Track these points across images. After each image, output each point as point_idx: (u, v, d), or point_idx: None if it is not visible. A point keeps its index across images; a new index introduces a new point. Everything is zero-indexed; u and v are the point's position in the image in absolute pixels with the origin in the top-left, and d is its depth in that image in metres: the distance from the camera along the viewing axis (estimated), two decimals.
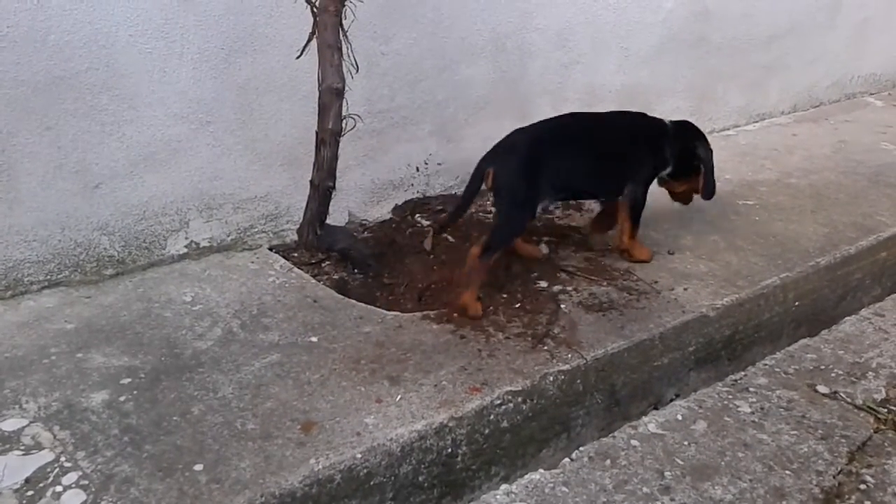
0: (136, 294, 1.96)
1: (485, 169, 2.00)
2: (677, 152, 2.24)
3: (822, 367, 1.84)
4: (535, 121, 2.18)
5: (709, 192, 2.27)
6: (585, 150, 2.11)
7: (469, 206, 2.10)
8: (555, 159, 2.02)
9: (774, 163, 2.99)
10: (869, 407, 1.72)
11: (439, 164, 2.58)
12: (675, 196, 2.37)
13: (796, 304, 2.23)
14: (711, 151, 2.28)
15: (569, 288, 2.09)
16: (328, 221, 2.10)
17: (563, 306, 2.00)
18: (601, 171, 2.14)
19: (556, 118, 2.18)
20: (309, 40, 1.94)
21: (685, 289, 2.09)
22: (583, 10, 2.70)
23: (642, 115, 2.28)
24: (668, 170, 2.24)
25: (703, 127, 3.13)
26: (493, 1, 2.50)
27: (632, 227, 2.19)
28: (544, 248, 2.30)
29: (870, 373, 1.82)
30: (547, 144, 2.04)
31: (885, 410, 1.71)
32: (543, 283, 2.12)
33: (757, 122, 3.40)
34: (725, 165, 2.92)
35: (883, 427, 1.66)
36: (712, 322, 2.02)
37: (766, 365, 1.86)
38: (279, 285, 2.03)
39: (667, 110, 3.04)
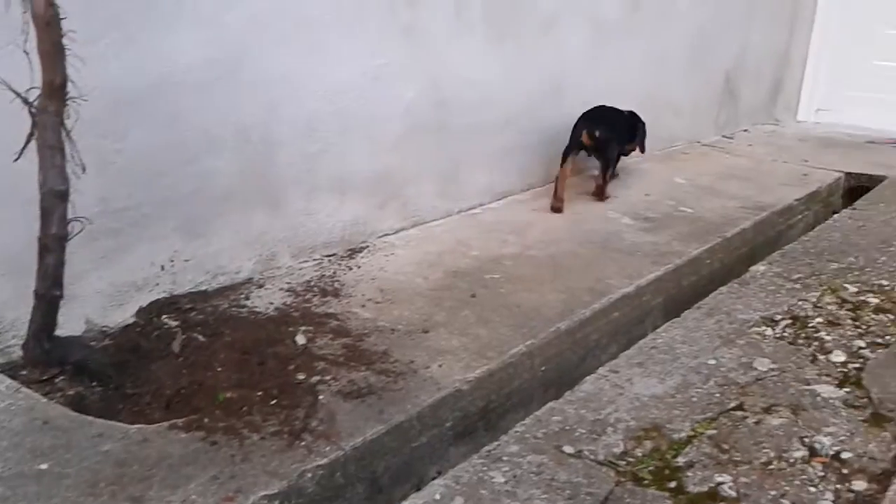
0: None
1: (585, 128, 3.59)
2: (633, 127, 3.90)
3: (568, 427, 1.95)
4: None
5: (643, 149, 3.97)
6: (623, 124, 3.81)
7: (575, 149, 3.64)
8: (622, 127, 3.80)
9: (518, 237, 3.20)
10: (609, 461, 1.84)
11: (186, 260, 2.49)
12: (625, 154, 3.95)
13: (543, 369, 2.37)
14: (645, 126, 3.96)
15: (327, 377, 2.08)
16: (60, 332, 1.94)
17: (321, 397, 1.98)
18: (627, 135, 3.84)
19: (602, 107, 3.73)
20: (27, 142, 1.82)
21: (440, 365, 2.15)
22: (329, 101, 2.77)
23: (620, 110, 3.83)
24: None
25: (451, 207, 3.34)
26: (236, 92, 2.50)
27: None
28: (301, 339, 2.28)
29: (609, 428, 1.95)
30: (620, 119, 3.79)
31: (624, 463, 1.84)
32: (301, 376, 2.09)
33: (500, 199, 3.63)
34: (473, 243, 3.08)
35: (623, 479, 1.78)
36: (466, 395, 2.09)
37: (516, 432, 1.94)
38: (4, 409, 1.83)
39: (415, 194, 3.18)
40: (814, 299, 2.73)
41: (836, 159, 5.02)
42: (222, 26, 2.43)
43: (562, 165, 3.58)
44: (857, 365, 2.27)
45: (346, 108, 2.83)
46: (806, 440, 1.88)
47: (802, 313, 2.62)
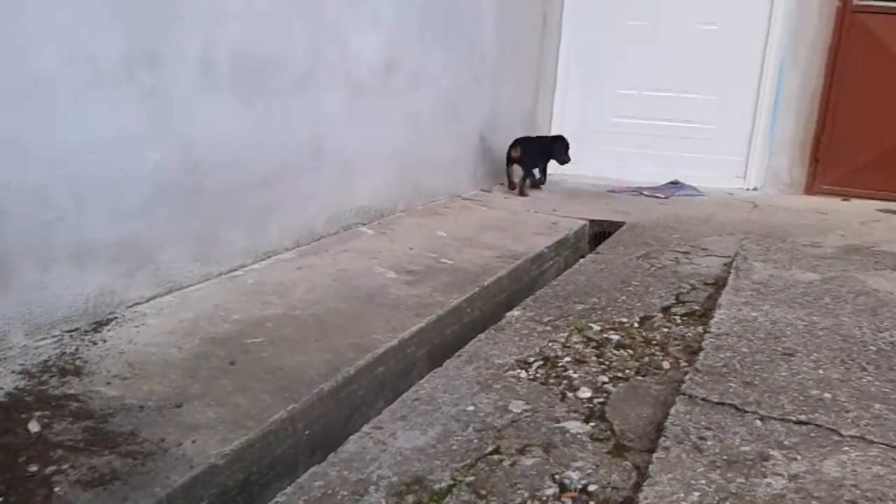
0: None
1: (511, 148, 5.92)
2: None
3: (330, 491, 1.91)
4: None
5: (559, 160, 6.17)
6: (540, 147, 6.07)
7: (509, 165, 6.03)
8: (537, 150, 6.05)
9: (281, 297, 3.13)
10: None
11: None
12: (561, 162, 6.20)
13: (307, 432, 2.32)
14: (567, 146, 6.11)
15: (65, 466, 1.89)
16: None
17: (56, 489, 1.79)
18: (541, 155, 6.13)
19: (527, 137, 6.11)
20: None
21: (193, 441, 2.03)
22: (63, 166, 2.57)
23: (542, 137, 6.33)
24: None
25: (210, 270, 3.22)
26: None
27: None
28: (35, 426, 2.06)
29: (371, 487, 1.94)
30: (537, 144, 6.08)
31: None
32: (34, 467, 1.88)
33: (263, 260, 3.56)
34: (233, 306, 2.98)
35: None
36: (223, 470, 1.98)
37: (277, 503, 1.88)
38: None
39: (169, 259, 3.03)
40: (563, 340, 2.91)
41: (581, 208, 5.47)
42: None
43: (507, 168, 6.06)
44: (601, 399, 2.43)
45: (82, 174, 2.64)
46: (556, 477, 1.97)
47: (553, 354, 2.77)
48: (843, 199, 6.42)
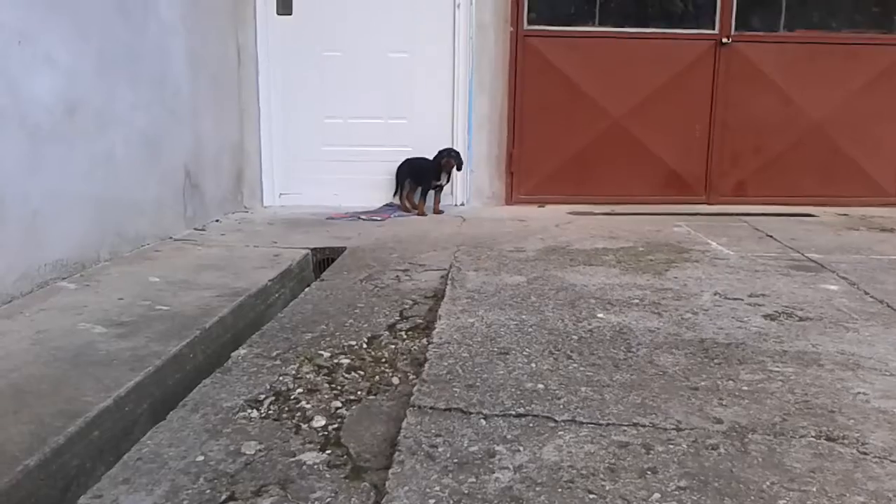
0: None
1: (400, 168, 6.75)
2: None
3: None
4: None
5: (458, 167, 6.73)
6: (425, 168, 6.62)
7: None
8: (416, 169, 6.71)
9: None
10: None
11: None
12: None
13: None
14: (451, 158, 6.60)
15: None
16: None
17: None
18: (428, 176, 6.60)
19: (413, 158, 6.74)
20: None
21: None
22: None
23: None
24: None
25: None
26: None
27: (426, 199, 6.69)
28: None
29: None
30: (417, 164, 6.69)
31: None
32: None
33: None
34: None
35: None
36: None
37: None
38: None
39: None
40: (293, 372, 2.86)
41: (302, 237, 5.45)
42: None
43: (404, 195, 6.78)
44: (335, 425, 2.43)
45: None
46: None
47: (284, 388, 2.72)
48: (539, 206, 7.03)
